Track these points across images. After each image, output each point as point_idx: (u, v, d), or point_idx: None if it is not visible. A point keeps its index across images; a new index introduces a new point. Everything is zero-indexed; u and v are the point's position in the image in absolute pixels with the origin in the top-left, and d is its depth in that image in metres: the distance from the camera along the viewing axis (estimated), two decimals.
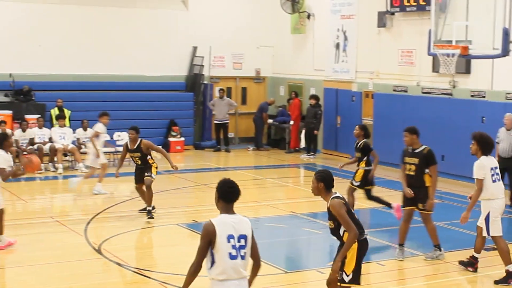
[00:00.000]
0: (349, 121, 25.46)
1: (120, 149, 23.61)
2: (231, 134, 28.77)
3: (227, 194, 7.33)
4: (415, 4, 22.72)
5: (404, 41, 23.66)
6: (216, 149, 27.61)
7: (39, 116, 23.76)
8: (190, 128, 27.56)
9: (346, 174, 19.17)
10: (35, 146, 22.40)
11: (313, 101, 26.14)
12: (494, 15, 16.53)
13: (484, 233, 12.21)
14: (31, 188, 20.66)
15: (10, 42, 25.30)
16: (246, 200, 18.20)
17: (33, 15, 25.80)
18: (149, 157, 16.42)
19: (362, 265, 9.29)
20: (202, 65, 27.91)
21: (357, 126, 16.55)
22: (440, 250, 13.32)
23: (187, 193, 19.67)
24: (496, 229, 12.03)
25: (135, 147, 16.36)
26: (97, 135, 19.32)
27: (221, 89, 27.88)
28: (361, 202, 16.70)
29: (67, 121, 23.69)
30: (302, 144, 27.01)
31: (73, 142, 22.85)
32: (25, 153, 16.80)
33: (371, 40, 24.88)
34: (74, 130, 23.41)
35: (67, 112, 23.98)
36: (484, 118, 20.67)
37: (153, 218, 16.01)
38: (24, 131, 22.63)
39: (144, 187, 16.20)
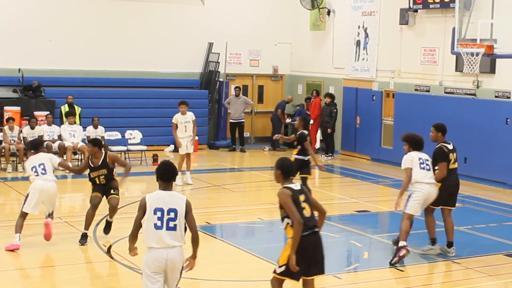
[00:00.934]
0: (369, 121, 25.21)
1: (132, 148, 23.37)
2: (246, 134, 28.35)
3: (163, 174, 8.60)
4: (438, 1, 22.38)
5: (427, 39, 23.25)
6: (231, 149, 27.17)
7: (48, 112, 23.33)
8: (205, 127, 27.07)
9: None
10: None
11: (328, 100, 25.73)
12: None
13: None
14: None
15: (19, 37, 24.93)
16: (261, 201, 17.90)
17: (43, 9, 25.42)
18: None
19: None
20: (218, 62, 27.42)
21: (298, 118, 17.29)
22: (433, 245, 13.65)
23: (201, 194, 19.31)
24: (412, 208, 13.05)
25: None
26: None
27: (237, 87, 27.39)
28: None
29: (77, 118, 23.20)
30: (318, 144, 26.49)
31: (83, 140, 22.33)
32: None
33: (393, 38, 24.44)
34: (84, 127, 22.88)
35: (77, 109, 23.49)
36: (508, 120, 20.44)
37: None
38: (32, 128, 22.10)
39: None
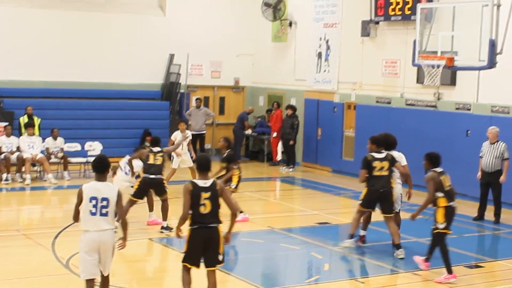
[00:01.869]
0: (331, 133, 25.25)
1: (92, 159, 23.06)
2: (208, 145, 28.18)
3: (97, 167, 9.89)
4: (400, 13, 22.42)
5: (388, 51, 23.32)
6: (192, 161, 26.91)
7: (7, 124, 22.91)
8: (166, 139, 26.79)
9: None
10: (2, 156, 21.58)
11: (290, 111, 25.70)
12: (481, 26, 16.35)
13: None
14: None
15: None
16: (222, 214, 17.63)
17: (2, 19, 25.07)
18: None
19: None
20: (179, 73, 27.27)
21: (221, 139, 17.94)
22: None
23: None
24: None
25: None
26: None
27: (198, 99, 27.20)
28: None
29: (36, 130, 22.84)
30: (279, 156, 26.45)
31: (42, 152, 22.04)
32: None
33: (354, 50, 24.46)
34: (43, 139, 22.56)
35: (36, 120, 23.14)
36: (468, 132, 20.55)
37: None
38: None
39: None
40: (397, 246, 14.14)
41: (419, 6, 18.07)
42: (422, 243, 14.71)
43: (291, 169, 25.55)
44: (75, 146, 23.35)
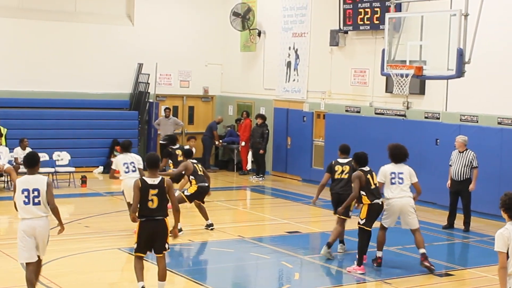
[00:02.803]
0: (300, 142, 25.23)
1: (60, 169, 22.92)
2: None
3: (26, 162, 11.02)
4: (368, 23, 22.49)
5: (357, 61, 23.37)
6: (161, 170, 26.73)
7: None
8: (134, 148, 26.63)
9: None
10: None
11: (260, 121, 25.68)
12: (449, 35, 16.36)
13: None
14: None
15: None
16: (192, 223, 17.61)
17: None
18: None
19: None
20: (148, 83, 27.12)
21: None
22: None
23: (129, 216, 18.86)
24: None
25: None
26: None
27: (167, 108, 27.09)
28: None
29: (3, 140, 22.59)
30: (249, 165, 26.40)
31: (9, 162, 21.76)
32: None
33: (323, 59, 24.49)
34: (11, 149, 22.28)
35: (3, 130, 22.88)
36: (438, 140, 20.60)
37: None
38: None
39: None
40: (328, 244, 14.60)
41: (388, 15, 18.06)
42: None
43: (261, 179, 25.51)
44: (43, 156, 22.89)
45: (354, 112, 23.40)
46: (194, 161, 16.88)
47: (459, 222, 17.91)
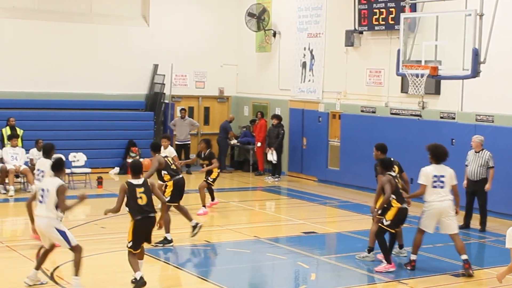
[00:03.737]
0: (316, 142, 25.21)
1: (76, 170, 23.00)
2: (193, 155, 27.97)
3: (51, 167, 12.20)
4: (383, 23, 22.45)
5: (372, 61, 23.33)
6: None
7: None
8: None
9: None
10: None
11: (275, 121, 25.70)
12: (464, 35, 16.33)
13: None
14: None
15: None
16: (208, 224, 17.65)
17: None
18: None
19: None
20: (163, 84, 27.18)
21: (201, 141, 20.18)
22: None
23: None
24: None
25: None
26: None
27: (182, 109, 27.18)
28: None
29: (19, 141, 22.68)
30: (274, 158, 26.06)
31: (25, 163, 21.88)
32: None
33: (339, 60, 24.47)
34: (27, 150, 22.39)
35: (19, 132, 22.99)
36: (453, 140, 20.43)
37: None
38: None
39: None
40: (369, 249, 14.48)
41: (403, 15, 18.03)
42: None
43: (276, 179, 25.53)
44: None
45: (370, 113, 23.37)
46: (164, 155, 17.21)
47: (475, 222, 17.88)
